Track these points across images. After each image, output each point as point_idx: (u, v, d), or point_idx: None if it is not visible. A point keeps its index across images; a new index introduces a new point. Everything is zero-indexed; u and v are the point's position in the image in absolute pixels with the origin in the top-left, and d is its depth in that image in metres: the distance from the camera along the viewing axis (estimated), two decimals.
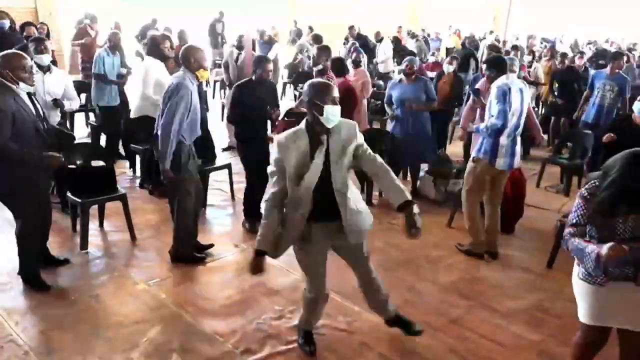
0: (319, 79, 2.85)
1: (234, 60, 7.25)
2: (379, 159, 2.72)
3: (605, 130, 4.86)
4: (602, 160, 4.45)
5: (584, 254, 2.29)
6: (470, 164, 4.31)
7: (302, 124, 2.69)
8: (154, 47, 5.15)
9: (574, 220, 2.41)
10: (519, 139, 4.17)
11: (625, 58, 7.24)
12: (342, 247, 2.88)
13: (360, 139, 2.73)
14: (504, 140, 4.05)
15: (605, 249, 2.17)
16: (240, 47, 7.14)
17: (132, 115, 5.37)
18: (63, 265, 3.96)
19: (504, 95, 3.96)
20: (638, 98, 4.16)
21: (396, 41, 11.86)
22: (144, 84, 5.07)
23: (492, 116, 4.03)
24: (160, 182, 5.32)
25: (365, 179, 5.65)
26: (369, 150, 2.74)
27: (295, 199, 2.66)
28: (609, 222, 2.31)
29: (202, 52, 3.83)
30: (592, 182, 2.40)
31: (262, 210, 2.71)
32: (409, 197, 2.61)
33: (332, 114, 2.59)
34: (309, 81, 2.75)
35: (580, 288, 2.51)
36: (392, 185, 2.66)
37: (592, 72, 7.45)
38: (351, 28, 11.49)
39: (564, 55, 8.16)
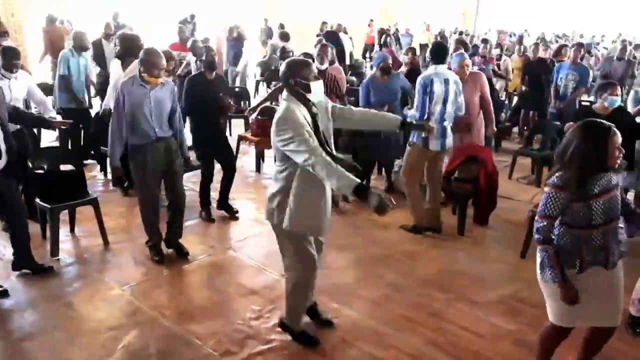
0: (295, 57, 2.90)
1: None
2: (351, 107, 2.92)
3: (567, 119, 4.98)
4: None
5: (550, 270, 2.43)
6: (407, 149, 4.60)
7: (287, 99, 2.68)
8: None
9: (544, 212, 2.39)
10: (448, 122, 4.47)
11: (583, 48, 7.41)
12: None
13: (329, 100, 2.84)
14: (432, 124, 4.23)
15: (563, 293, 2.39)
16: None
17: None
18: (48, 272, 3.86)
19: (424, 87, 4.31)
20: (608, 91, 4.25)
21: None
22: None
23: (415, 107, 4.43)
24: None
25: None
26: (339, 105, 2.90)
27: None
28: (585, 210, 2.34)
29: (152, 56, 3.69)
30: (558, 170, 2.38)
31: (313, 163, 2.46)
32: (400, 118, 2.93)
33: (319, 89, 2.66)
34: (287, 60, 2.78)
35: (550, 289, 2.55)
36: (376, 115, 2.93)
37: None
38: (324, 24, 11.48)
39: (536, 45, 8.28)
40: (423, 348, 3.14)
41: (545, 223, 2.40)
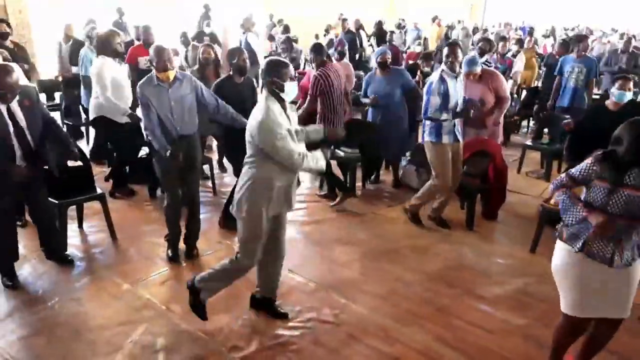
0: (274, 57, 3.14)
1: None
2: None
3: (580, 115, 4.93)
4: (571, 146, 4.53)
5: (571, 208, 2.41)
6: (427, 151, 4.56)
7: (267, 98, 2.84)
8: (103, 44, 4.91)
9: (574, 173, 2.44)
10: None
11: (589, 40, 7.30)
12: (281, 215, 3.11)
13: None
14: (448, 121, 4.39)
15: (596, 219, 2.30)
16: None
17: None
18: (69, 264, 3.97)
19: (439, 89, 4.27)
20: (616, 84, 4.20)
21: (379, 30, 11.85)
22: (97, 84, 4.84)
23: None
24: (123, 184, 5.31)
25: (346, 170, 5.63)
26: None
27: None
28: (605, 191, 2.32)
29: (157, 52, 3.70)
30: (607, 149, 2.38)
31: (300, 161, 2.83)
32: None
33: (291, 90, 2.88)
34: (266, 59, 3.00)
35: (562, 278, 2.53)
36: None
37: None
38: (344, 21, 11.37)
39: (565, 40, 8.12)
40: (430, 344, 3.12)
41: (566, 180, 2.48)
